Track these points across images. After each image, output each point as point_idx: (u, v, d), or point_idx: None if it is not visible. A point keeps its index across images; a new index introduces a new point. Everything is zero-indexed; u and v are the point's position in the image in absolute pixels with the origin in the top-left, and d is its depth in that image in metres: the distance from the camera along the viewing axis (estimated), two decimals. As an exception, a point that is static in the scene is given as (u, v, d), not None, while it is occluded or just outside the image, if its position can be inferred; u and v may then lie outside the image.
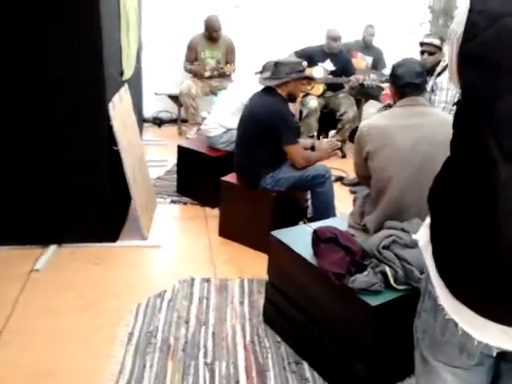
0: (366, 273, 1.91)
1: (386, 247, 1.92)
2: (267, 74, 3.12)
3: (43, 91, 2.72)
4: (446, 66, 3.79)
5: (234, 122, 3.65)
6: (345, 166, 4.50)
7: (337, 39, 4.75)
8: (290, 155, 3.01)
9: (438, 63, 3.83)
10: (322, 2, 5.39)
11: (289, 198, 3.15)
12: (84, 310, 2.48)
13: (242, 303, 2.63)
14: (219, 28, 5.20)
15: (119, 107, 3.04)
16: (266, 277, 2.81)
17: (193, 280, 2.79)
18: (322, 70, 4.81)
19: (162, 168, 4.47)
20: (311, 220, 3.20)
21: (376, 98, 5.38)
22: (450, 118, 2.22)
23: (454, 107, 3.23)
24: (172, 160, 4.63)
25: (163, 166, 4.53)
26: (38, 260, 2.83)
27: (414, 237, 1.25)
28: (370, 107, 5.57)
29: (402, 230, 2.01)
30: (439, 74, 3.80)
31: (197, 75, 5.32)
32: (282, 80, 2.95)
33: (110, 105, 2.85)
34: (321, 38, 4.97)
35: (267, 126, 2.90)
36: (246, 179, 3.10)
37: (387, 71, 5.28)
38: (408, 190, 2.10)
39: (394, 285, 1.90)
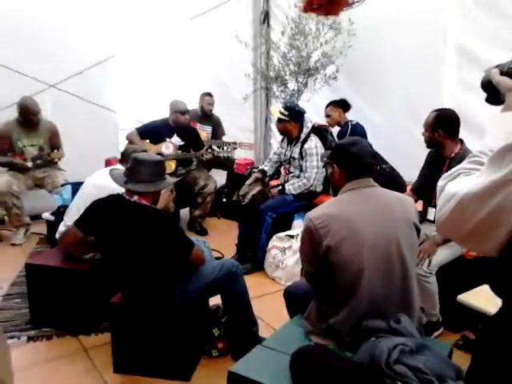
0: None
1: (396, 361, 1.61)
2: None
3: None
4: (310, 132, 3.82)
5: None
6: (217, 245, 4.11)
7: (185, 112, 4.44)
8: (194, 260, 2.53)
9: (301, 131, 3.82)
10: (155, 72, 5.07)
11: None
12: None
13: None
14: (37, 111, 4.39)
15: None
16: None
17: None
18: (171, 145, 4.43)
19: (-5, 293, 3.45)
20: (226, 324, 2.75)
21: (224, 167, 5.22)
22: (401, 194, 2.11)
23: (324, 170, 3.09)
24: (6, 278, 3.66)
25: (-4, 289, 3.51)
26: None
27: None
28: (217, 176, 5.38)
29: (394, 330, 1.75)
30: (305, 141, 3.79)
31: (16, 168, 4.40)
32: (147, 190, 2.46)
33: None
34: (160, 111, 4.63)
35: (158, 250, 2.39)
36: (149, 303, 2.50)
37: (226, 138, 5.20)
38: (379, 280, 1.87)
39: (411, 402, 1.60)
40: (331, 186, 2.10)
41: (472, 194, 0.84)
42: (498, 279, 0.93)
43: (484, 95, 1.07)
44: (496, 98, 0.97)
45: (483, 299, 2.24)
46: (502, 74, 0.96)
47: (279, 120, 3.85)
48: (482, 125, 3.32)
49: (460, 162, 2.79)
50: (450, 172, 0.97)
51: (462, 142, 2.83)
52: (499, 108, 0.97)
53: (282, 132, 4.00)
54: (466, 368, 1.44)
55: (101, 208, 2.55)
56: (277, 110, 3.87)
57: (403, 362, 1.62)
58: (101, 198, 2.58)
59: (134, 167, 2.51)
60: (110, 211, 2.50)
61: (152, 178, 2.49)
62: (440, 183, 0.97)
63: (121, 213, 2.46)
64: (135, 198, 2.46)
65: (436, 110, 2.88)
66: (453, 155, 2.79)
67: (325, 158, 2.23)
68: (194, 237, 3.06)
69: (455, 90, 3.90)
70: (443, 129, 2.78)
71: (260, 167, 4.35)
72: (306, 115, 3.86)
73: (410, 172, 3.55)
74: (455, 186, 0.91)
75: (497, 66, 0.99)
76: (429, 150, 3.01)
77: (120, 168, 3.10)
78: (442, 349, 1.94)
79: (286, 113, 3.78)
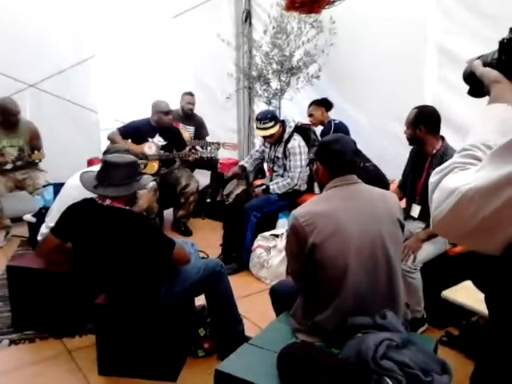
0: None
1: (382, 356, 1.63)
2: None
3: None
4: (293, 132, 3.83)
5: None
6: (201, 245, 4.08)
7: (168, 113, 4.41)
8: (177, 259, 2.49)
9: (284, 130, 3.83)
10: (136, 72, 5.03)
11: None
12: None
13: None
14: (17, 111, 4.31)
15: None
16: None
17: None
18: (153, 145, 4.40)
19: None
20: (212, 324, 2.74)
21: (208, 167, 5.20)
22: (384, 191, 2.13)
23: (307, 168, 3.13)
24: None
25: (-24, 293, 3.44)
26: None
27: None
28: (201, 176, 5.36)
29: (379, 326, 1.77)
30: (288, 141, 3.80)
31: (-4, 170, 4.32)
32: (117, 194, 2.41)
33: None
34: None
35: (138, 252, 2.36)
36: (134, 304, 2.47)
37: (209, 138, 5.19)
38: (364, 276, 1.89)
39: (397, 397, 1.61)
40: (317, 183, 2.10)
41: (475, 190, 0.76)
42: (487, 277, 0.90)
43: (465, 90, 1.05)
44: (479, 90, 0.93)
45: (466, 295, 2.27)
46: (485, 65, 0.91)
47: (268, 136, 3.84)
48: (462, 122, 3.35)
49: (442, 158, 2.83)
50: (442, 167, 0.89)
51: (443, 138, 2.86)
52: (484, 101, 0.94)
53: (273, 142, 3.96)
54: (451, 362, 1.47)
55: (75, 213, 2.50)
56: (263, 131, 3.85)
57: (389, 356, 1.63)
58: (75, 202, 2.53)
59: (105, 170, 2.46)
60: (84, 216, 2.45)
61: (123, 180, 2.44)
62: (432, 179, 0.89)
63: (95, 217, 2.42)
64: (108, 202, 2.42)
65: (417, 107, 2.91)
66: (434, 151, 2.82)
67: (311, 155, 2.24)
68: (179, 238, 3.05)
69: (436, 88, 3.94)
70: (424, 125, 2.81)
71: (240, 163, 4.35)
72: (288, 115, 3.87)
73: (393, 171, 3.58)
74: (454, 180, 0.83)
75: (479, 57, 0.94)
76: (411, 148, 3.04)
77: (94, 170, 3.07)
78: (428, 344, 1.96)
79: (272, 123, 3.78)
